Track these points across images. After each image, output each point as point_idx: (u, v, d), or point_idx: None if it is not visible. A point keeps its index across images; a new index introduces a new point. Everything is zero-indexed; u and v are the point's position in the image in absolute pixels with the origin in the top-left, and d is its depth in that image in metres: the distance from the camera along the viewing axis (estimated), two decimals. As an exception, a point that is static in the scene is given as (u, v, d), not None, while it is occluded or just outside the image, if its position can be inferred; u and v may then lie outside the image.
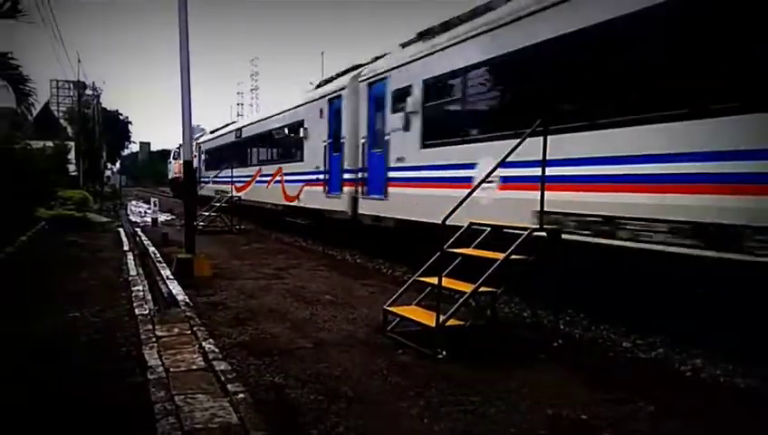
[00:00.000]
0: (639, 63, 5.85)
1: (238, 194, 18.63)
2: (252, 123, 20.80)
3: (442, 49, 8.95)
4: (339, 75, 13.97)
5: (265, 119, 18.69)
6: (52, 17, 52.68)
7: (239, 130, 21.94)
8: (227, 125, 26.19)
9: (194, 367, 4.61)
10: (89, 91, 40.72)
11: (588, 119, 6.31)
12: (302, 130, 14.58)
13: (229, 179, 21.03)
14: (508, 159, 5.81)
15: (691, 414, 4.05)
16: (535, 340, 5.80)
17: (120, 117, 65.27)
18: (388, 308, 6.00)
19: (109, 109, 54.79)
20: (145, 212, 25.78)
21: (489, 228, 6.31)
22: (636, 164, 5.75)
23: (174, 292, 7.51)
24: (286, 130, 15.93)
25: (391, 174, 10.33)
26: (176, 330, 5.71)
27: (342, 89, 12.49)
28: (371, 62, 12.17)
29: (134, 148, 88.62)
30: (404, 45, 10.80)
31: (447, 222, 5.40)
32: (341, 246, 12.97)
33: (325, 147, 13.21)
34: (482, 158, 7.76)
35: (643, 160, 5.67)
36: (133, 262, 10.10)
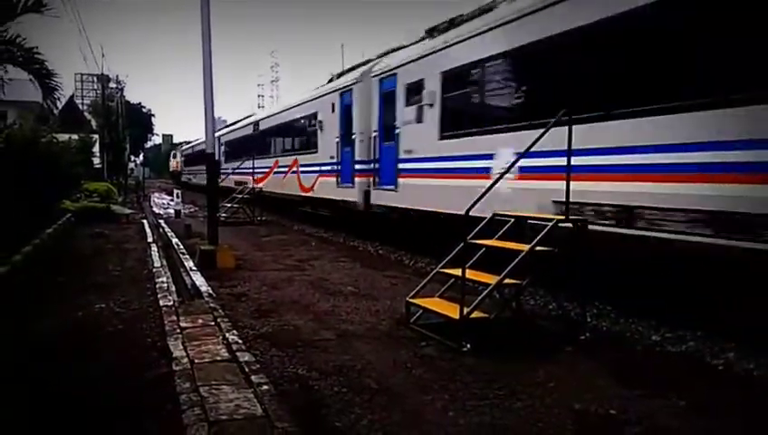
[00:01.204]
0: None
1: (187, 177, 34.35)
2: (193, 143, 41.03)
3: (231, 131, 28.65)
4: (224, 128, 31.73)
5: (195, 144, 39.28)
6: (76, 12, 53.41)
7: (190, 144, 43.80)
8: (193, 142, 45.69)
9: (218, 358, 4.63)
10: (112, 85, 41.24)
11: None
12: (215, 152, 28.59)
13: (193, 173, 39.32)
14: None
15: (724, 409, 3.95)
16: (561, 333, 5.70)
17: (144, 109, 66.17)
18: (411, 300, 5.96)
19: (132, 102, 55.66)
20: (168, 204, 26.13)
21: (513, 219, 6.22)
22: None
23: (197, 283, 7.57)
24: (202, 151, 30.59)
25: (229, 171, 24.22)
26: (200, 321, 5.74)
27: (223, 136, 28.66)
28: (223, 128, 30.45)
29: (157, 140, 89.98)
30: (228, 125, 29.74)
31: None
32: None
33: (216, 160, 27.04)
34: (243, 158, 21.62)
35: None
36: (157, 253, 10.22)
